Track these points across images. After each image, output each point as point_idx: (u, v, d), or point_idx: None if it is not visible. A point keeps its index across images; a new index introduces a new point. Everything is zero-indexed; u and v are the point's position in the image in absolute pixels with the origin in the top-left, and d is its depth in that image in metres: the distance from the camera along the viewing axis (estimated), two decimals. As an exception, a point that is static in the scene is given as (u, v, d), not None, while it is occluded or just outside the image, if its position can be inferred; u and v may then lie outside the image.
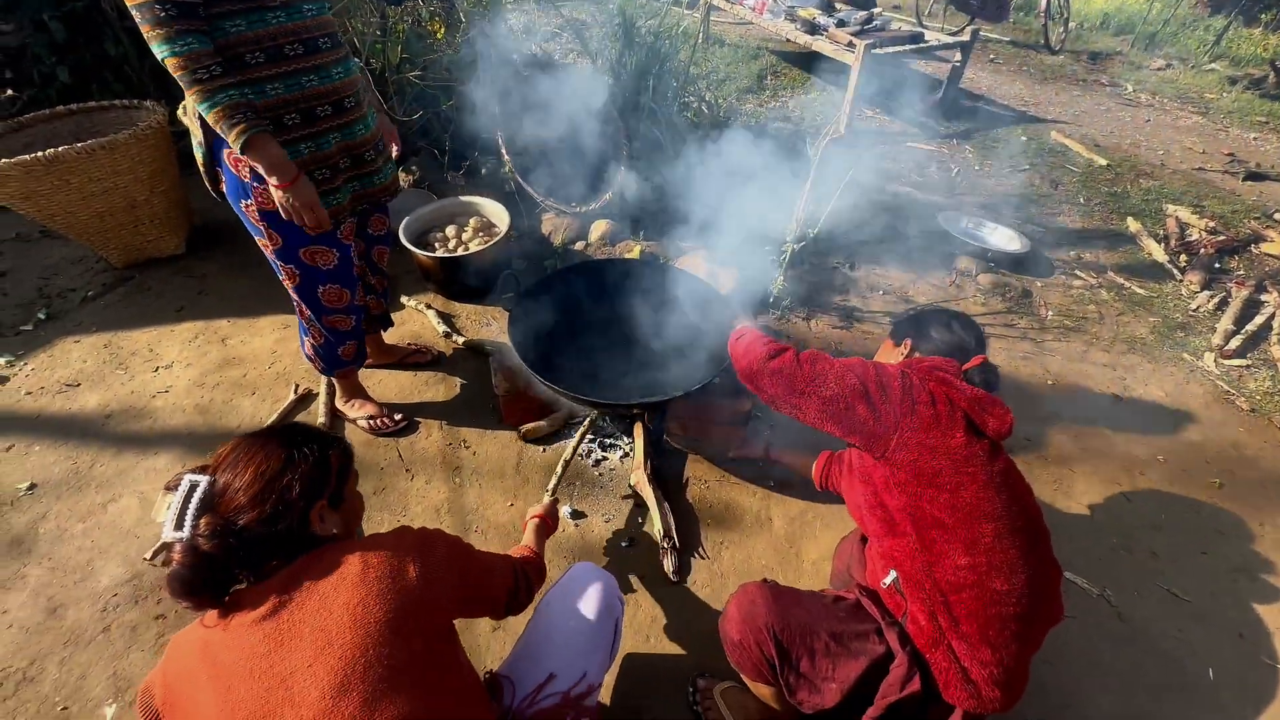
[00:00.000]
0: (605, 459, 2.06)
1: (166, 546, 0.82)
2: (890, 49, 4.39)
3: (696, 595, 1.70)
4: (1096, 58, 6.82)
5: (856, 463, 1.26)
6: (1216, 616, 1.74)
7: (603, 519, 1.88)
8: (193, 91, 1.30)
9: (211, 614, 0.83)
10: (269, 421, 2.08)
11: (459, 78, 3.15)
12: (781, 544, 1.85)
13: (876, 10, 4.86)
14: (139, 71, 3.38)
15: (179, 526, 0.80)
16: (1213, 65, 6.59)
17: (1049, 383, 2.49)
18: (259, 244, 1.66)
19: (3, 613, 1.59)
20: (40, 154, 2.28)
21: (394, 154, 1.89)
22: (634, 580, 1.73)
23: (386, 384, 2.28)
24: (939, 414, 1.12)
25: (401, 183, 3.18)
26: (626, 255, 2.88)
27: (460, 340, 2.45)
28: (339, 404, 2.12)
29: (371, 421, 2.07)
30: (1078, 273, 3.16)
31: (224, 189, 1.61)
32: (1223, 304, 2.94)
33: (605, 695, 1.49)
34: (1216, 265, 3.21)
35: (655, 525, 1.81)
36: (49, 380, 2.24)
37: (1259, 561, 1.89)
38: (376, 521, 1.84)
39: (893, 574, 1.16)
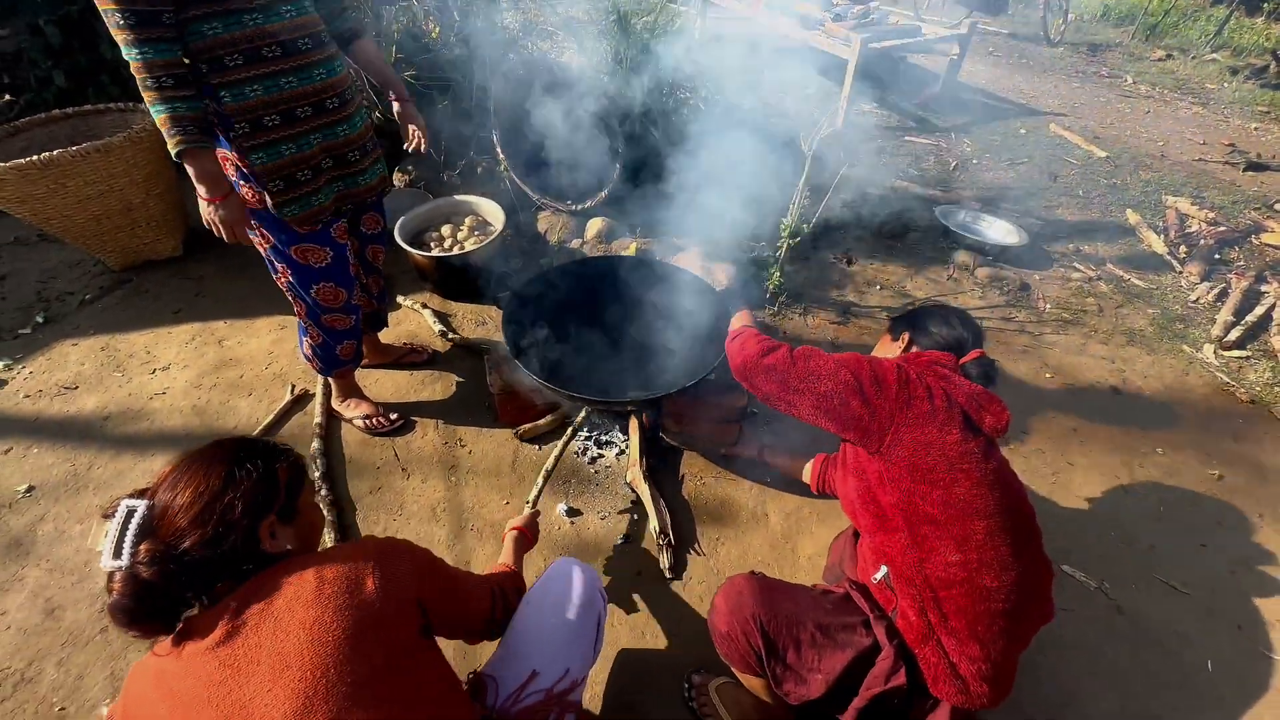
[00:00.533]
0: (601, 456, 2.05)
1: (107, 576, 0.78)
2: (887, 43, 4.38)
3: (692, 592, 1.70)
4: (1096, 49, 6.79)
5: (850, 458, 1.26)
6: (1215, 609, 1.73)
7: (599, 516, 1.88)
8: (144, 96, 1.33)
9: (164, 642, 0.80)
10: (265, 423, 2.09)
11: (454, 77, 3.15)
12: (778, 540, 1.84)
13: (874, 4, 4.84)
14: (135, 74, 3.38)
15: (117, 555, 0.77)
16: (1214, 56, 6.55)
17: (1047, 376, 2.48)
18: (254, 243, 1.67)
19: (1, 614, 1.60)
20: (35, 157, 2.28)
21: (422, 148, 1.90)
22: (630, 577, 1.73)
23: (383, 383, 2.28)
24: (936, 408, 1.11)
25: (397, 183, 3.18)
26: (623, 253, 2.88)
27: (456, 339, 2.45)
28: (335, 404, 2.12)
29: (367, 421, 2.08)
30: (1076, 265, 3.14)
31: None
32: (1222, 295, 2.92)
33: (599, 691, 1.49)
34: (1216, 256, 3.19)
35: (651, 522, 1.81)
36: (47, 383, 2.25)
37: (1258, 553, 1.88)
38: (373, 521, 1.84)
39: (884, 569, 1.16)
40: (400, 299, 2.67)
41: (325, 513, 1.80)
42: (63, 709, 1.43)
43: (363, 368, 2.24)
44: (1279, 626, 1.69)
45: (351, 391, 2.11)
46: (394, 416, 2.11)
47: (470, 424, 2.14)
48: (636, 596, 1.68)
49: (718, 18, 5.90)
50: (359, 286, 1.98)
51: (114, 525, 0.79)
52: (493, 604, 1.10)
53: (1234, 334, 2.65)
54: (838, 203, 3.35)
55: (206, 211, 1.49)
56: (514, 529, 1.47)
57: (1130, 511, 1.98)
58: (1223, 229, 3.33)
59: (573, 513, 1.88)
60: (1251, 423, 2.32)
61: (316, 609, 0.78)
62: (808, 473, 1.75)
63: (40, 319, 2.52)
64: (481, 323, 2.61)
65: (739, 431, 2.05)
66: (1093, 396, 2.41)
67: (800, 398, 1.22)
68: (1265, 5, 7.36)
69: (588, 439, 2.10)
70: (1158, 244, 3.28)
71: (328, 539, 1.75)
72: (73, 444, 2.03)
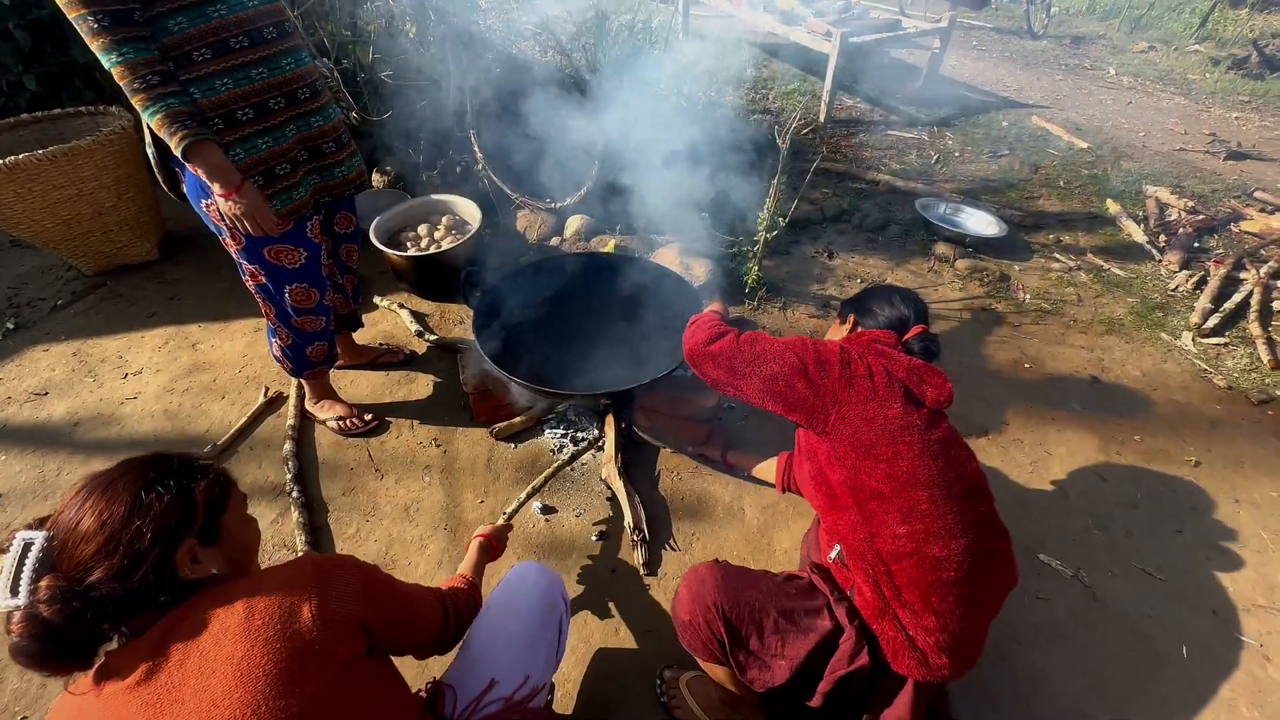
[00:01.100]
0: (577, 453, 2.04)
1: (5, 617, 0.71)
2: (868, 37, 4.38)
3: (668, 588, 1.69)
4: (1079, 42, 6.81)
5: (802, 441, 1.26)
6: (1191, 594, 1.73)
7: (574, 513, 1.87)
8: (135, 100, 1.31)
9: (84, 679, 0.74)
10: (237, 426, 2.07)
11: (432, 77, 3.13)
12: (754, 534, 1.83)
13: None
14: (109, 78, 3.34)
15: (14, 593, 0.70)
16: (1196, 47, 6.58)
17: (1026, 366, 2.48)
18: (223, 244, 1.65)
19: (-36, 624, 1.57)
20: (-1, 162, 2.26)
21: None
22: (605, 575, 1.72)
23: (358, 384, 2.26)
24: (876, 386, 1.13)
25: (376, 183, 3.16)
26: (601, 250, 2.87)
27: (433, 339, 2.44)
28: (308, 405, 2.10)
29: (341, 422, 2.06)
30: (1056, 256, 3.15)
31: (184, 190, 1.59)
32: (1201, 283, 2.93)
33: (573, 690, 1.48)
34: (1195, 245, 3.20)
35: (626, 518, 1.80)
36: (16, 390, 2.22)
37: (1234, 538, 1.88)
38: (345, 523, 1.83)
39: (837, 548, 1.16)
40: (377, 299, 2.66)
41: (296, 515, 1.79)
42: (25, 718, 1.41)
43: (338, 369, 2.22)
44: (1253, 611, 1.69)
45: (325, 393, 2.09)
46: (368, 417, 2.09)
47: (446, 423, 2.13)
48: (611, 594, 1.67)
49: (700, 15, 5.90)
50: (332, 287, 1.97)
51: (9, 560, 0.72)
52: (445, 620, 1.05)
53: (1212, 321, 2.66)
54: (817, 196, 3.34)
55: (227, 208, 1.45)
56: (480, 536, 1.42)
57: (1107, 499, 1.98)
58: (1202, 217, 3.34)
59: (547, 510, 1.87)
60: (1228, 409, 2.32)
61: (245, 643, 0.72)
62: (772, 472, 1.73)
63: (10, 325, 2.49)
64: (459, 322, 2.60)
65: (708, 431, 2.04)
66: (1071, 386, 2.41)
67: (746, 382, 1.23)
68: (1247, -4, 7.40)
69: (564, 436, 2.08)
70: (1137, 233, 3.29)
71: (299, 541, 1.74)
72: (42, 450, 2.00)
